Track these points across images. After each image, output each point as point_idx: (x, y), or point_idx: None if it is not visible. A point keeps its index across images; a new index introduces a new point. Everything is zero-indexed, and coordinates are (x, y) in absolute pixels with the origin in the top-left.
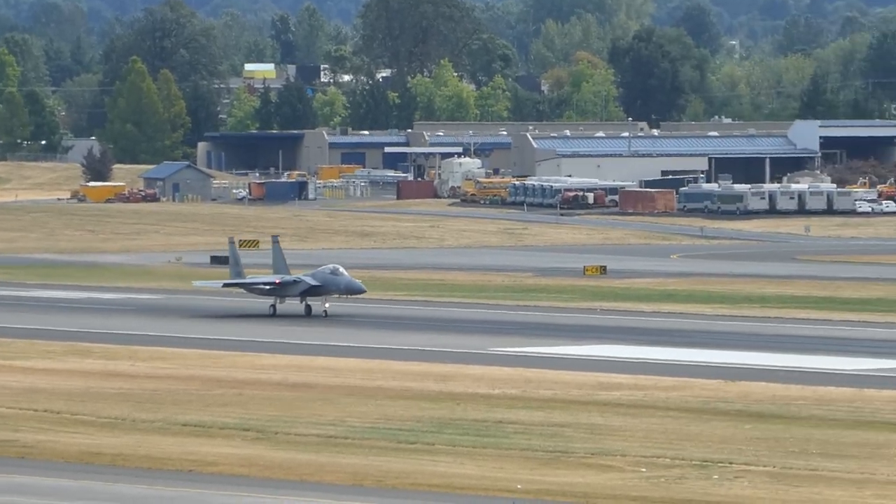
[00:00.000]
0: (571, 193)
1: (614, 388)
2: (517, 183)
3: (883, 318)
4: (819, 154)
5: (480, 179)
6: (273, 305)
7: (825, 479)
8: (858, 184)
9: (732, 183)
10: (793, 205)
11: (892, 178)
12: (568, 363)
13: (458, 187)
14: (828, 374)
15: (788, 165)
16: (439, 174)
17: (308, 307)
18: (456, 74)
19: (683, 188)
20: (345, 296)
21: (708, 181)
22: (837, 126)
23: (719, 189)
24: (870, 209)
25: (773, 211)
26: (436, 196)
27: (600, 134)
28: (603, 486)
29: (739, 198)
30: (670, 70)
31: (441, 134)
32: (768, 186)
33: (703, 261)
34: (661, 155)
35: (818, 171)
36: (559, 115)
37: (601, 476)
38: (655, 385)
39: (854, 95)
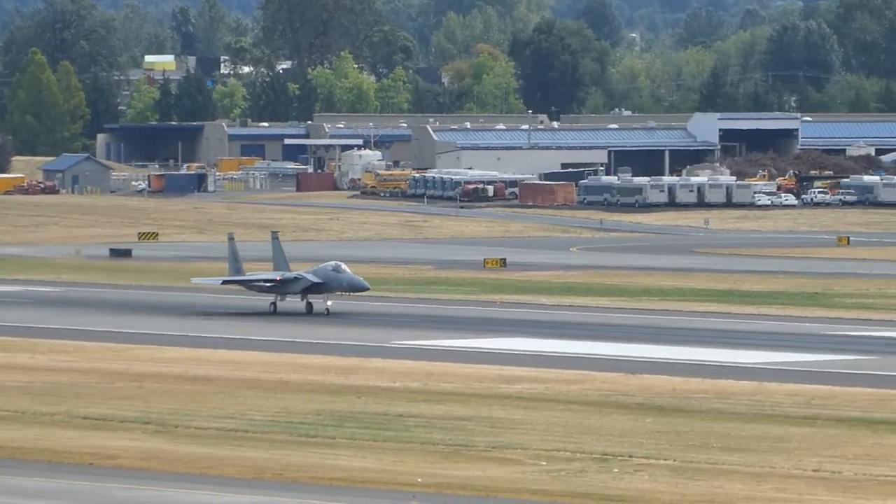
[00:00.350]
0: (471, 186)
1: (515, 382)
2: (417, 175)
3: (783, 311)
4: (718, 147)
5: (381, 172)
6: (273, 303)
7: (725, 473)
8: (758, 177)
9: (632, 176)
10: (692, 197)
11: (792, 171)
12: (469, 356)
13: (359, 179)
14: (728, 368)
15: (688, 158)
16: (339, 166)
17: (309, 305)
18: (356, 66)
19: (583, 181)
20: (347, 293)
21: (607, 174)
22: (737, 119)
23: (619, 182)
24: (769, 202)
25: (672, 204)
26: (336, 188)
27: (500, 126)
28: (503, 479)
29: (639, 190)
30: (570, 63)
31: (341, 126)
32: (668, 179)
33: (603, 253)
34: (561, 147)
35: (717, 164)
36: (460, 108)
37: (502, 469)
38: (556, 378)
39: (754, 88)
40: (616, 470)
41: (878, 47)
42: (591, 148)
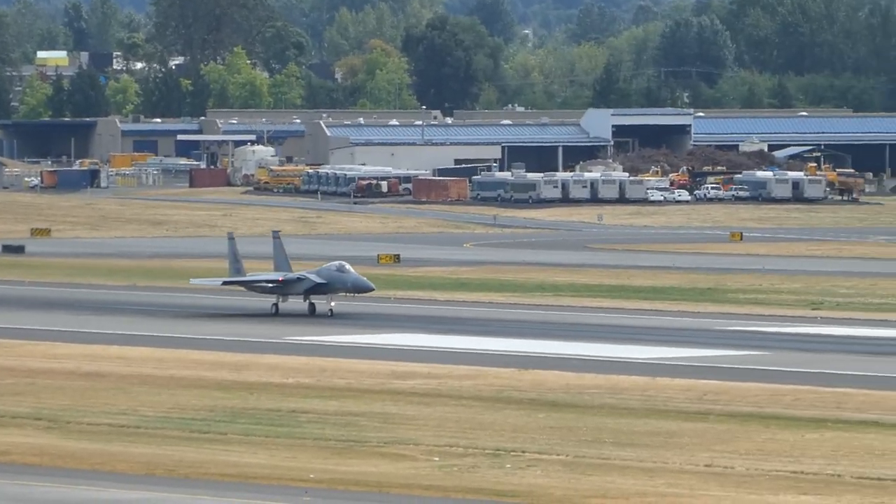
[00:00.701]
0: (365, 182)
1: (408, 377)
2: (311, 171)
3: (675, 306)
4: (611, 142)
5: (274, 167)
6: (275, 304)
7: (617, 468)
8: (650, 172)
9: (525, 171)
10: (585, 193)
11: (684, 167)
12: (362, 352)
13: (252, 175)
14: (621, 363)
15: (581, 154)
16: (232, 162)
17: (312, 305)
18: (249, 62)
19: (477, 177)
20: (352, 294)
21: (501, 170)
22: (630, 115)
23: (512, 178)
24: (662, 198)
25: (565, 199)
26: (229, 184)
27: (394, 122)
28: (396, 475)
29: (532, 186)
30: (464, 58)
31: (234, 122)
32: (561, 175)
33: (497, 249)
34: (455, 143)
35: (610, 160)
36: (353, 103)
37: (394, 465)
38: (449, 374)
39: (646, 84)
40: (509, 465)
41: (771, 43)
42: (484, 144)
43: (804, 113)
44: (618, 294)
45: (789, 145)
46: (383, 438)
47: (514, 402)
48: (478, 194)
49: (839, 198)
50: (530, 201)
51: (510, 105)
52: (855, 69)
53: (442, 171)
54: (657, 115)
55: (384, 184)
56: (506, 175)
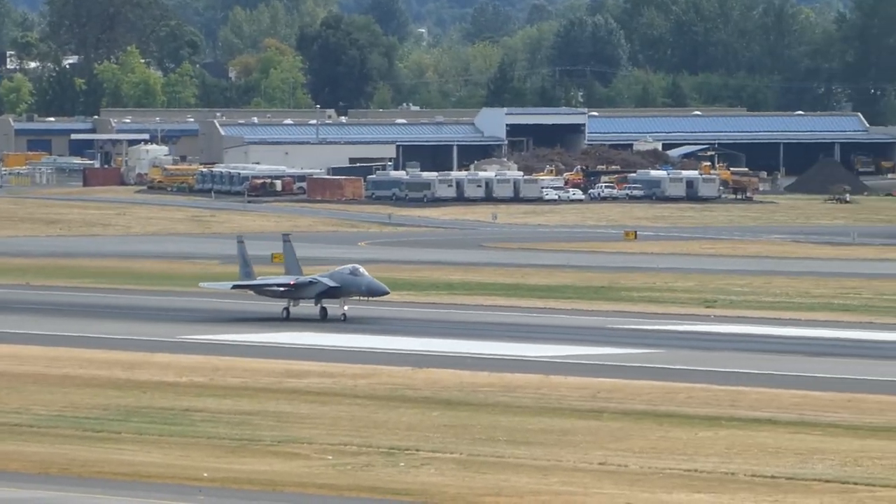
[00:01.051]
0: (259, 181)
1: (303, 376)
2: (205, 170)
3: (569, 304)
4: (506, 142)
5: (168, 167)
6: (286, 308)
7: (512, 466)
8: (545, 171)
9: (420, 170)
10: (480, 192)
11: (579, 166)
12: (256, 351)
13: (146, 174)
14: (515, 361)
15: (476, 153)
16: (126, 161)
17: (324, 310)
18: (143, 61)
19: (371, 176)
20: (365, 298)
21: (396, 169)
22: (524, 114)
23: (407, 177)
24: (556, 197)
25: (460, 198)
26: (123, 183)
27: (288, 121)
28: (290, 473)
29: (427, 185)
30: (358, 57)
31: (128, 121)
32: (455, 174)
33: (391, 248)
34: (349, 142)
35: (505, 159)
36: (247, 102)
37: (288, 464)
38: (344, 372)
39: (541, 83)
40: (402, 464)
41: (665, 42)
42: (379, 143)
43: (698, 112)
44: (512, 292)
45: (683, 144)
46: (277, 437)
47: (408, 401)
48: (372, 193)
49: (733, 196)
50: (425, 200)
51: (405, 104)
52: (749, 68)
53: (336, 171)
54: (551, 114)
55: (278, 183)
56: (400, 174)
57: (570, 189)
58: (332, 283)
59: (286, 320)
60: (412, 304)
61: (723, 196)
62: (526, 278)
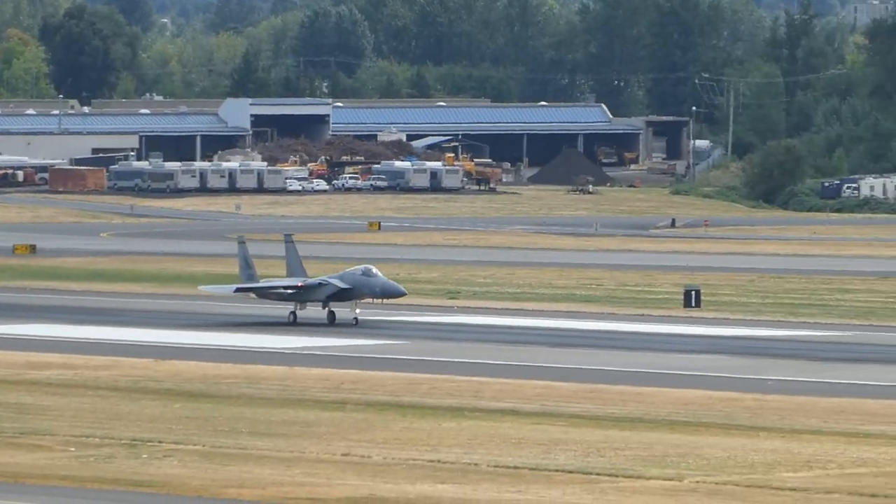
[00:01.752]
0: (0, 171)
1: (44, 368)
2: None
3: None
4: (250, 132)
5: None
6: (293, 312)
7: (255, 458)
8: (289, 162)
9: (163, 161)
10: (224, 183)
11: (323, 157)
12: None
13: None
14: (259, 353)
15: (220, 143)
16: None
17: (331, 314)
18: None
19: (114, 166)
20: (379, 300)
21: (139, 159)
22: (268, 104)
23: (150, 167)
24: (300, 188)
25: (204, 189)
26: None
27: (31, 111)
28: (31, 465)
29: (170, 176)
30: (101, 48)
31: None
32: (199, 164)
33: (134, 239)
34: (92, 133)
35: (249, 150)
36: None
37: (29, 455)
38: (86, 364)
39: (285, 74)
40: (145, 455)
41: (410, 33)
42: (122, 133)
43: (442, 103)
44: None
45: (428, 135)
46: (19, 429)
47: (150, 393)
48: (115, 184)
49: (477, 187)
50: (168, 191)
51: (148, 94)
52: (493, 59)
53: (79, 161)
54: (296, 104)
55: (20, 173)
56: (143, 164)
57: (315, 180)
58: (342, 285)
59: (293, 325)
60: (155, 295)
61: (466, 187)
62: (270, 270)
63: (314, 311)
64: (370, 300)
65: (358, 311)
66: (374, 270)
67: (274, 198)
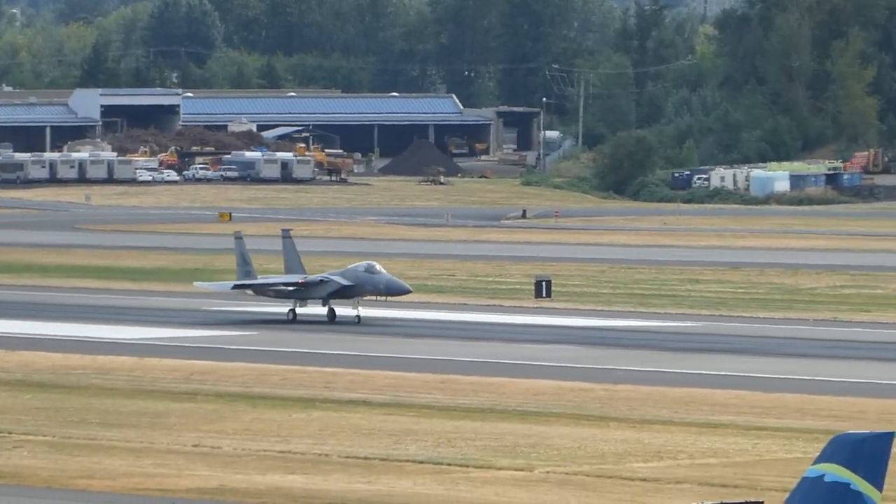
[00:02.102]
0: None
1: None
2: None
3: (164, 287)
4: (100, 123)
5: None
6: (292, 310)
7: (104, 449)
8: (139, 153)
9: (13, 151)
10: (73, 173)
11: (173, 148)
12: None
13: None
14: (108, 344)
15: (70, 134)
16: None
17: (332, 311)
18: None
19: None
20: (383, 298)
21: None
22: (119, 95)
23: (0, 158)
24: (150, 178)
25: (53, 179)
26: None
27: None
28: None
29: (20, 166)
30: None
31: None
32: (48, 155)
33: None
34: None
35: (99, 140)
36: None
37: None
38: None
39: (135, 64)
40: None
41: (260, 23)
42: None
43: (293, 93)
44: (106, 275)
45: (278, 125)
46: None
47: (0, 383)
48: None
49: (328, 178)
50: (18, 181)
51: None
52: (344, 50)
53: None
54: (146, 95)
55: None
56: None
57: (165, 170)
58: (345, 282)
59: (292, 322)
60: (5, 286)
61: (317, 177)
62: (119, 261)
63: (314, 309)
64: (374, 298)
65: (360, 309)
66: (378, 267)
67: (124, 188)
